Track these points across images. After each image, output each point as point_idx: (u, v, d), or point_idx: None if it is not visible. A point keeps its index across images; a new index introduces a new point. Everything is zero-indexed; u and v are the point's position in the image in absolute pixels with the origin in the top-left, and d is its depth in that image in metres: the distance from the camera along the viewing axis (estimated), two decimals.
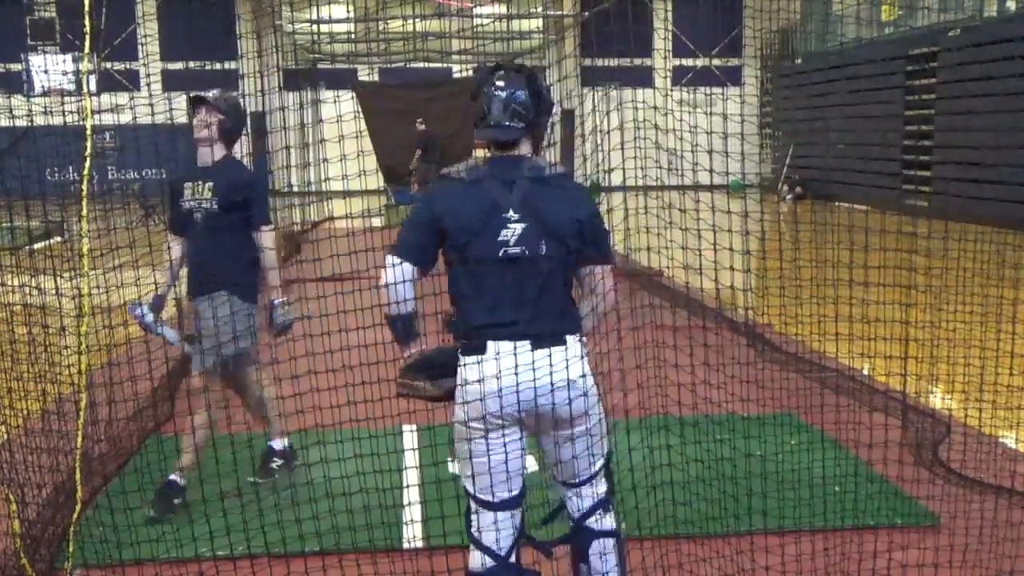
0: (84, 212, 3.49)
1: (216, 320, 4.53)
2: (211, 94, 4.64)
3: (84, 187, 3.48)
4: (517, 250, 2.95)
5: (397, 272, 3.04)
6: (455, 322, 3.09)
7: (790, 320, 5.74)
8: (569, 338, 2.99)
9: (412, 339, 3.18)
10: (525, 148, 3.07)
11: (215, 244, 4.63)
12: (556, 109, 3.19)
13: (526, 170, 3.02)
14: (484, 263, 2.96)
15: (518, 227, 2.95)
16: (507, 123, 3.01)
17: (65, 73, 21.01)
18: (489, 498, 3.03)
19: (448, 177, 3.09)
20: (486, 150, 3.13)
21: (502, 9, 25.70)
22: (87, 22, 3.29)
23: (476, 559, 3.11)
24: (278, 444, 5.02)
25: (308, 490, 4.28)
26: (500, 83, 3.04)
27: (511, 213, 2.96)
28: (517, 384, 2.91)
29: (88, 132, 3.50)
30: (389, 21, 21.58)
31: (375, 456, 4.16)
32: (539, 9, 25.92)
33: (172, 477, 4.58)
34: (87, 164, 3.50)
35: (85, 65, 3.46)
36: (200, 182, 4.66)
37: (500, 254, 2.95)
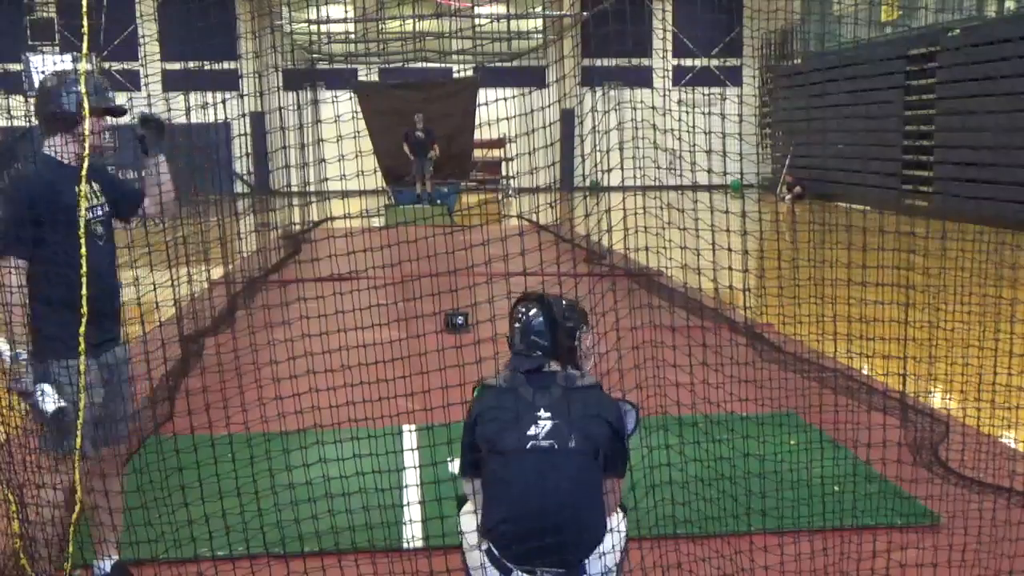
0: (81, 213, 3.48)
1: (121, 377, 3.82)
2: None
3: (82, 188, 3.47)
4: (546, 443, 3.01)
5: (469, 489, 3.26)
6: (482, 516, 3.12)
7: (790, 320, 5.74)
8: (588, 563, 3.01)
9: None
10: (555, 365, 3.21)
11: (112, 266, 3.78)
12: (587, 331, 3.33)
13: (559, 381, 3.15)
14: (512, 454, 3.03)
15: (548, 423, 3.04)
16: (527, 352, 3.19)
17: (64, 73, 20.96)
18: None
19: (488, 386, 3.23)
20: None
21: (502, 9, 25.70)
22: (85, 22, 3.28)
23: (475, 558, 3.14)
24: (107, 565, 3.96)
25: (308, 490, 4.28)
26: (521, 313, 3.24)
27: (542, 412, 3.06)
28: None
29: (85, 132, 3.49)
30: (388, 21, 21.58)
31: (375, 456, 4.16)
32: (539, 9, 25.91)
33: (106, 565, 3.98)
34: (84, 164, 3.49)
35: (83, 65, 3.45)
36: (90, 184, 3.62)
37: (528, 446, 3.02)
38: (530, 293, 3.36)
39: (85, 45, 3.32)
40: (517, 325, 3.23)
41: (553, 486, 2.96)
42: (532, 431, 3.02)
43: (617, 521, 3.16)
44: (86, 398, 3.49)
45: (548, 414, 3.04)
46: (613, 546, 3.08)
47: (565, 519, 2.95)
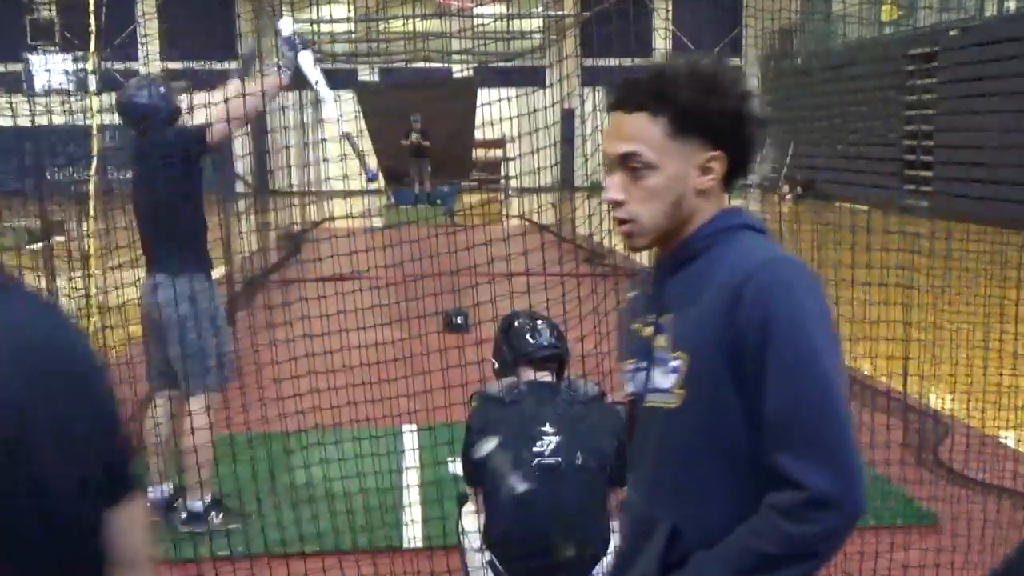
0: (91, 212, 3.48)
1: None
2: None
3: (92, 187, 3.47)
4: (552, 460, 2.97)
5: (472, 505, 3.19)
6: (485, 529, 3.06)
7: None
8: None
9: None
10: (553, 376, 3.21)
11: None
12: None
13: (562, 391, 3.12)
14: (517, 472, 2.97)
15: (553, 439, 2.99)
16: (554, 342, 3.19)
17: (65, 73, 20.98)
18: None
19: (489, 397, 3.16)
20: (529, 372, 3.19)
21: (502, 9, 25.69)
22: (92, 21, 3.29)
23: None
24: (197, 503, 4.26)
25: (308, 490, 4.29)
26: (534, 320, 3.25)
27: (547, 427, 3.01)
28: None
29: (94, 131, 3.50)
30: (389, 21, 21.58)
31: (375, 456, 4.16)
32: (539, 9, 25.89)
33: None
34: (94, 163, 3.49)
35: (90, 64, 3.45)
36: None
37: (534, 463, 2.98)
38: (519, 311, 3.37)
39: (91, 44, 3.32)
40: (538, 323, 3.21)
41: (559, 504, 2.93)
42: (538, 447, 2.98)
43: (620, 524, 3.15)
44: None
45: (553, 429, 3.00)
46: (616, 547, 3.07)
47: (571, 537, 2.93)
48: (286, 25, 4.10)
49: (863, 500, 1.46)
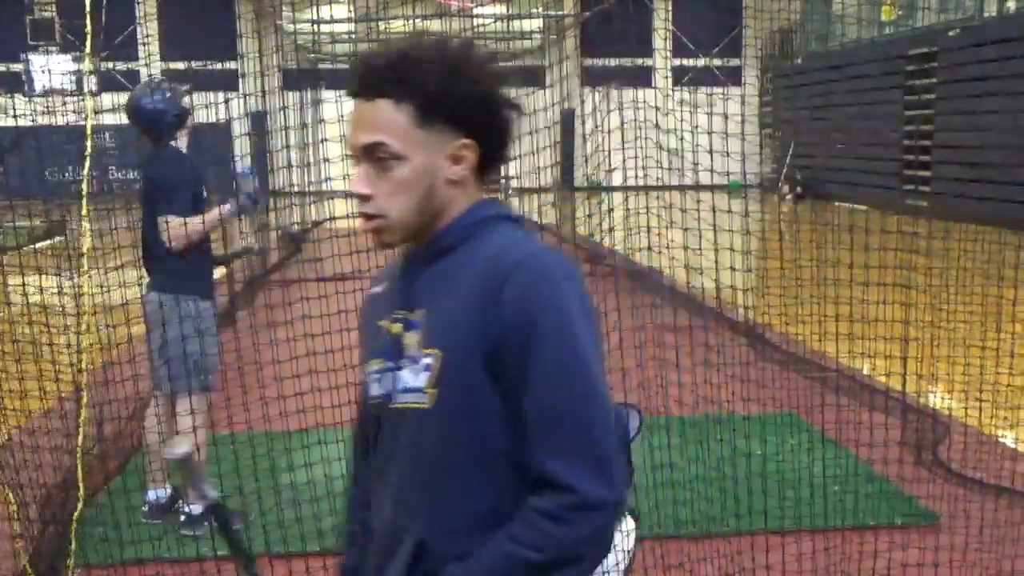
0: (84, 212, 3.50)
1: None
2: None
3: (84, 186, 3.49)
4: None
5: None
6: None
7: (790, 320, 5.75)
8: None
9: None
10: None
11: None
12: None
13: None
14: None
15: None
16: None
17: (65, 73, 21.01)
18: None
19: None
20: None
21: (502, 9, 25.70)
22: (88, 22, 3.30)
23: None
24: (197, 507, 4.16)
25: (308, 489, 4.29)
26: None
27: None
28: None
29: (88, 132, 3.51)
30: (389, 21, 21.59)
31: None
32: (539, 9, 25.90)
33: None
34: (87, 163, 3.50)
35: (87, 65, 3.47)
36: None
37: None
38: None
39: (88, 45, 3.33)
40: None
41: None
42: None
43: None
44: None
45: None
46: (614, 545, 3.07)
47: None
48: (247, 183, 4.34)
49: (626, 498, 1.43)
